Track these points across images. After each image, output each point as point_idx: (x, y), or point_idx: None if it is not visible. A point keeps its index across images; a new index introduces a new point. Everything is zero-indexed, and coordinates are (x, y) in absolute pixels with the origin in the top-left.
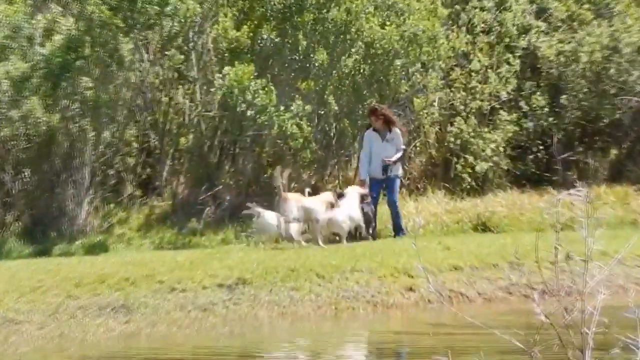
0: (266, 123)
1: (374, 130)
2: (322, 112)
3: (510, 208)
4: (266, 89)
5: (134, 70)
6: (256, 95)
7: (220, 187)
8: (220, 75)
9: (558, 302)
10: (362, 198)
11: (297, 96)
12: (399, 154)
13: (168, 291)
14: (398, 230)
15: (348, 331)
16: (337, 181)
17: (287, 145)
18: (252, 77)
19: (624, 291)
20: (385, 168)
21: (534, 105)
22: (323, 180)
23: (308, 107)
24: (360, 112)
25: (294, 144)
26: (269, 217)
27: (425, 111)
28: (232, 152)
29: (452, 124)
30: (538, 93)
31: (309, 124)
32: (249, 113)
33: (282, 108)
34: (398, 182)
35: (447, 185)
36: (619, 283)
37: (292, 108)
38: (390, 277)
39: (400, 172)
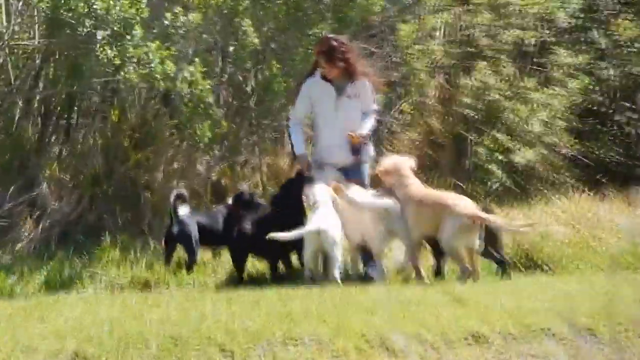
0: (126, 66)
1: (325, 79)
2: (232, 49)
3: (576, 227)
4: (137, 6)
5: None
6: (111, 11)
7: (43, 186)
8: None
9: None
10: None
11: (181, 17)
12: (371, 122)
13: None
14: (368, 265)
15: None
16: (258, 174)
17: (166, 108)
18: None
19: None
20: (355, 147)
21: (620, 39)
22: (232, 173)
23: (195, 16)
24: (302, 49)
25: (183, 108)
26: None
27: (418, 46)
28: (65, 122)
29: (468, 72)
30: (629, 14)
31: (204, 69)
32: (98, 35)
33: (150, 41)
34: (367, 174)
35: (460, 184)
36: None
37: (165, 23)
38: (355, 353)
39: (370, 155)
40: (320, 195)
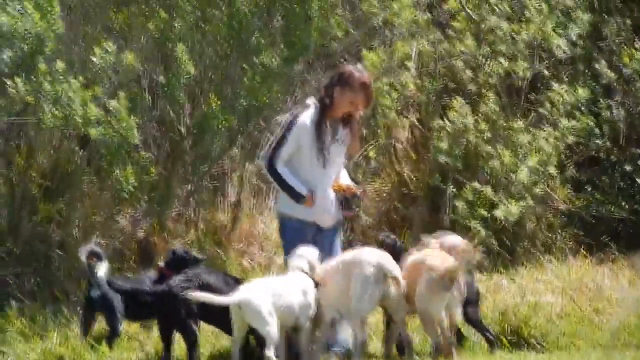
0: (40, 104)
1: (321, 119)
2: (164, 80)
3: (573, 298)
4: (48, 19)
5: None
6: (26, 33)
7: None
8: None
9: None
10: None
11: (107, 44)
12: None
13: None
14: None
15: None
16: (194, 232)
17: (83, 150)
18: None
19: None
20: (347, 200)
21: (629, 72)
22: (163, 229)
23: (127, 57)
24: (247, 80)
25: (95, 136)
26: None
27: (386, 80)
28: None
29: (446, 111)
30: (637, 44)
31: (130, 105)
32: (4, 56)
33: (58, 66)
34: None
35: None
36: None
37: (93, 59)
38: None
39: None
40: (296, 257)
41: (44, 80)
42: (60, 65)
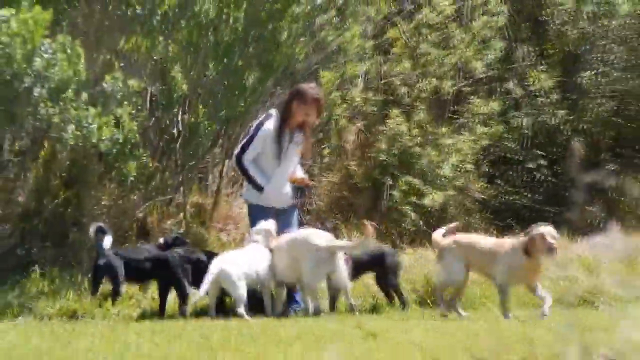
0: (65, 125)
1: (283, 125)
2: (161, 94)
3: None
4: (68, 49)
5: None
6: (51, 62)
7: None
8: None
9: None
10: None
11: (116, 62)
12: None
13: None
14: (291, 298)
15: None
16: (182, 214)
17: (95, 149)
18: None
19: None
20: (300, 189)
21: (532, 88)
22: (157, 212)
23: (133, 83)
24: (228, 95)
25: (104, 148)
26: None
27: (338, 93)
28: None
29: (385, 119)
30: (541, 66)
31: (133, 112)
32: (36, 92)
33: (83, 97)
34: (296, 216)
35: (377, 225)
36: None
37: (104, 85)
38: None
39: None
40: (255, 232)
41: (70, 106)
42: (84, 96)
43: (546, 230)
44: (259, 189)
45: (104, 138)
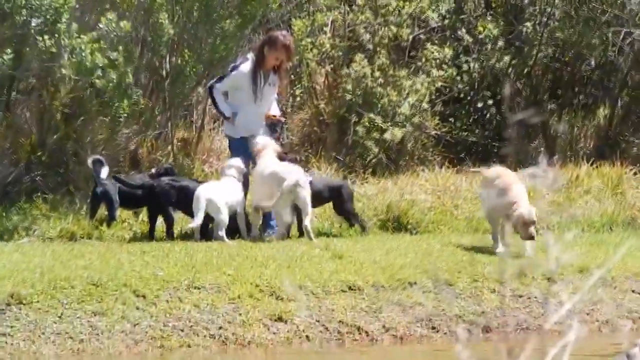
0: (61, 55)
1: (257, 67)
2: (150, 39)
3: (438, 196)
4: None
5: None
6: (44, 2)
7: None
8: None
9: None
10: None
11: (108, 9)
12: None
13: None
14: (267, 225)
15: None
16: (170, 146)
17: (92, 87)
18: None
19: (610, 328)
20: (274, 125)
21: (481, 36)
22: (147, 145)
23: (125, 24)
24: (211, 40)
25: (101, 86)
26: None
27: (309, 40)
28: (5, 99)
29: (350, 63)
30: (488, 17)
31: (126, 55)
32: (34, 22)
33: (74, 27)
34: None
35: (342, 158)
36: (604, 316)
37: (100, 26)
38: (248, 299)
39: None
40: (228, 167)
41: (64, 37)
42: (75, 26)
43: (526, 211)
44: (224, 117)
45: (98, 65)
